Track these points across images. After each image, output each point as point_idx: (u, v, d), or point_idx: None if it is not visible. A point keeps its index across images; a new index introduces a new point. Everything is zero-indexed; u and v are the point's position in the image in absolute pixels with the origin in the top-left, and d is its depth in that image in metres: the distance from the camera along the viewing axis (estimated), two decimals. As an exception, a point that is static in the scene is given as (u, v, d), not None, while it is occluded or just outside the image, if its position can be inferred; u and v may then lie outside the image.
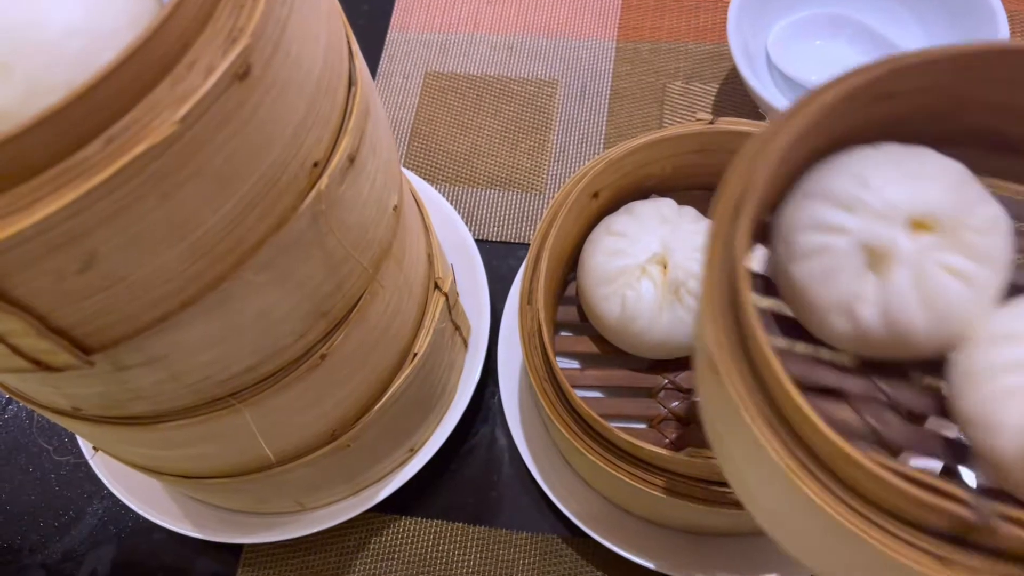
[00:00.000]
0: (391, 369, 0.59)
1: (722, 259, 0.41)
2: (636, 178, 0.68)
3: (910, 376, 0.44)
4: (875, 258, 0.42)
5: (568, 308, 0.72)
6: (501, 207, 0.86)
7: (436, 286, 0.63)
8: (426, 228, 0.65)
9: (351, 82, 0.44)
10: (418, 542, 0.71)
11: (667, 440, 0.65)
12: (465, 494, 0.73)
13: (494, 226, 0.85)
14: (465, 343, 0.72)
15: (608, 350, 0.69)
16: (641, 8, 0.96)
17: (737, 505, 0.55)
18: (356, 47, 0.45)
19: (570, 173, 0.86)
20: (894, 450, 0.43)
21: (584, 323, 0.70)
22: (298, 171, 0.39)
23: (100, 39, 0.34)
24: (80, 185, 0.31)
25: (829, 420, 0.38)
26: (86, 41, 0.34)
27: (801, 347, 0.45)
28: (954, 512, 0.34)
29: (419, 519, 0.72)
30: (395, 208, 0.51)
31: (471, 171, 0.88)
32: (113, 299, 0.36)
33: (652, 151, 0.66)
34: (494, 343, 0.74)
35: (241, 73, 0.33)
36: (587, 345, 0.70)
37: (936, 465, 0.43)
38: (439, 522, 0.72)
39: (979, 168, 0.45)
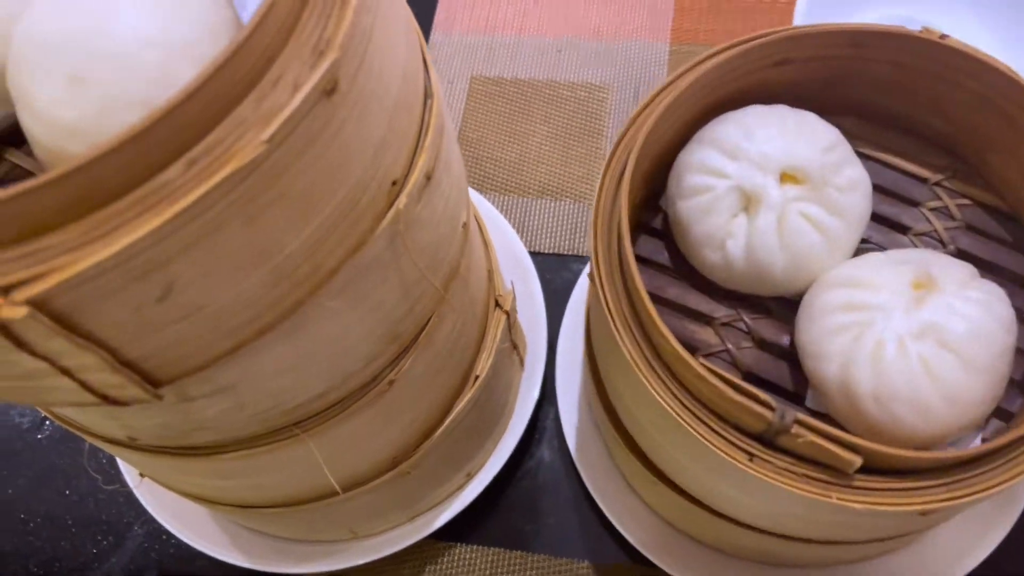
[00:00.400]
0: (453, 393, 0.56)
1: (611, 196, 0.51)
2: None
3: (771, 312, 0.54)
4: (748, 201, 0.51)
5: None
6: (553, 217, 0.83)
7: (497, 304, 0.60)
8: (486, 243, 0.62)
9: (427, 95, 0.41)
10: (475, 571, 0.68)
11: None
12: (523, 520, 0.70)
13: (546, 237, 0.82)
14: (522, 362, 0.69)
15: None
16: (695, 10, 0.93)
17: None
18: (429, 58, 0.43)
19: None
20: (744, 371, 0.53)
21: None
22: (377, 191, 0.37)
23: (177, 51, 0.32)
24: (162, 212, 0.28)
25: (692, 338, 0.53)
26: (163, 53, 0.32)
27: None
28: (760, 413, 0.42)
29: (476, 547, 0.69)
30: (464, 225, 0.49)
31: (521, 180, 0.85)
32: (189, 329, 0.33)
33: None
34: (551, 360, 0.71)
35: (329, 89, 0.30)
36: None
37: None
38: (497, 550, 0.69)
39: (860, 135, 0.58)
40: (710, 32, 0.91)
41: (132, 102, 0.31)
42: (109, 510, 0.74)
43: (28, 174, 0.39)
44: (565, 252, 0.81)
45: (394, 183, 0.38)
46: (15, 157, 0.40)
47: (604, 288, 0.48)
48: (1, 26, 0.35)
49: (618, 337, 0.47)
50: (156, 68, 0.32)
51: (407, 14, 0.40)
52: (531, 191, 0.84)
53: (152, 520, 0.70)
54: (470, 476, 0.66)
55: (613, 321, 0.47)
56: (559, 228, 0.82)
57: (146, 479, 0.63)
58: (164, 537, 0.72)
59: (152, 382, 0.35)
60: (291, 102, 0.29)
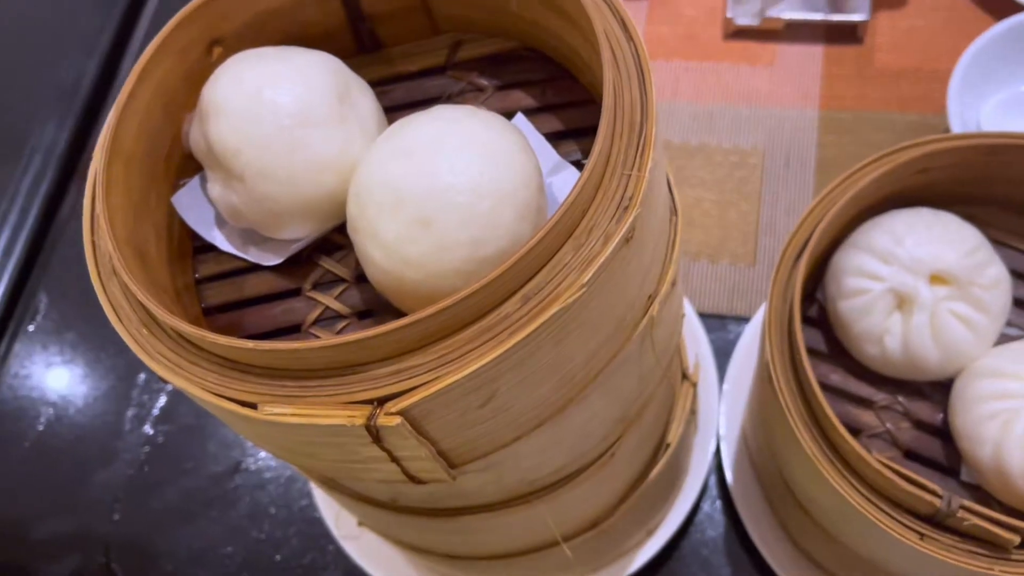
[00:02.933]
0: (649, 459, 0.66)
1: (782, 296, 0.62)
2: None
3: (925, 394, 0.63)
4: (902, 301, 0.61)
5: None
6: (712, 279, 0.92)
7: (684, 376, 0.69)
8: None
9: (673, 212, 0.51)
10: (652, 618, 0.78)
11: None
12: (695, 570, 0.80)
13: (706, 298, 0.92)
14: (696, 425, 0.78)
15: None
16: (843, 77, 1.02)
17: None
18: (672, 178, 0.53)
19: (780, 244, 0.92)
20: (903, 449, 0.62)
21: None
22: (639, 305, 0.46)
23: (501, 199, 0.42)
24: (503, 341, 0.39)
25: (857, 420, 0.63)
26: (492, 202, 0.42)
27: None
28: (930, 501, 0.52)
29: (652, 596, 0.79)
30: (683, 315, 0.59)
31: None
32: (494, 426, 0.44)
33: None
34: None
35: (629, 237, 0.40)
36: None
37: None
38: (672, 599, 0.78)
39: (997, 223, 0.67)
40: (857, 98, 1.00)
41: (465, 242, 0.42)
42: (303, 556, 0.85)
43: (338, 279, 0.50)
44: (724, 313, 0.91)
45: (650, 296, 0.48)
46: (327, 264, 0.50)
47: (782, 387, 0.59)
48: (343, 163, 0.46)
49: (797, 432, 0.57)
50: (487, 214, 0.42)
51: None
52: (689, 253, 0.94)
53: (347, 567, 0.81)
54: (650, 533, 0.76)
55: (792, 417, 0.58)
56: (717, 289, 0.92)
57: (361, 529, 0.74)
58: (358, 581, 0.83)
59: (452, 466, 0.46)
60: (604, 251, 0.40)
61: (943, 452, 0.61)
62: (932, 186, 0.65)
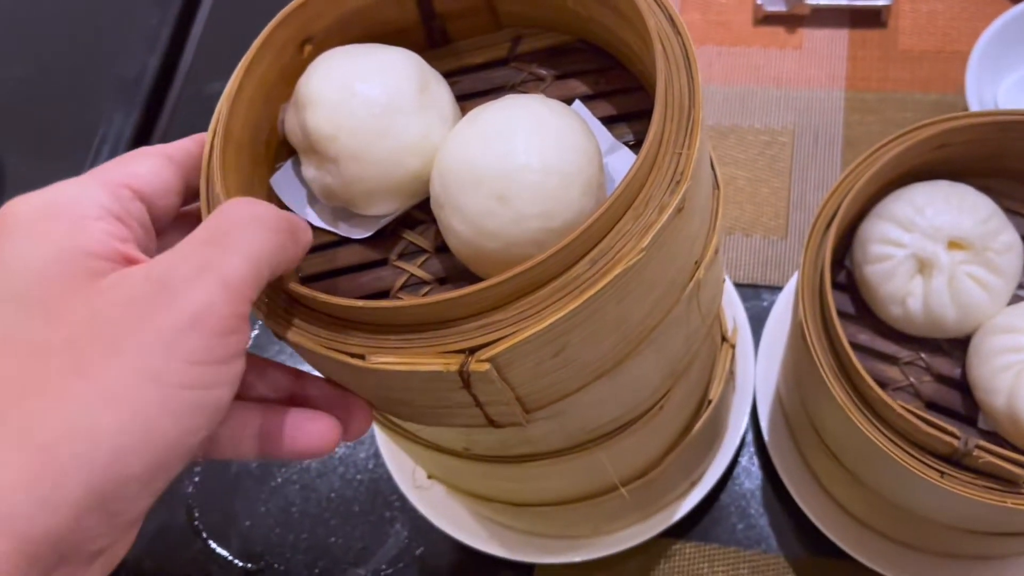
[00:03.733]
0: (693, 414, 0.74)
1: (813, 263, 0.69)
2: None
3: (944, 350, 0.71)
4: (922, 266, 0.68)
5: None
6: (745, 252, 1.00)
7: (724, 338, 0.76)
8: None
9: (715, 186, 0.58)
10: (695, 564, 0.85)
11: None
12: (735, 519, 0.87)
13: (739, 269, 0.99)
14: (735, 384, 0.86)
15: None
16: (867, 59, 1.09)
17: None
18: (715, 155, 0.60)
19: (810, 218, 0.99)
20: (926, 401, 0.69)
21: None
22: (688, 269, 0.54)
23: (568, 176, 0.48)
24: (575, 298, 0.45)
25: (883, 375, 0.70)
26: (560, 179, 0.48)
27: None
28: (949, 441, 0.59)
29: (696, 544, 0.86)
30: (724, 280, 0.66)
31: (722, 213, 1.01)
32: (563, 376, 0.51)
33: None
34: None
35: (680, 208, 0.47)
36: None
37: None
38: (713, 547, 0.86)
39: (1010, 194, 0.74)
40: (881, 80, 1.07)
41: (538, 215, 0.48)
42: (372, 512, 0.93)
43: (421, 250, 0.56)
44: (758, 283, 0.98)
45: (696, 263, 0.55)
46: (411, 236, 0.57)
47: (815, 345, 0.66)
48: (425, 147, 0.52)
49: (829, 385, 0.65)
50: (556, 190, 0.48)
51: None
52: (724, 226, 1.01)
53: (412, 521, 0.89)
54: (693, 484, 0.83)
55: (824, 372, 0.65)
56: (751, 261, 0.99)
57: (431, 481, 0.81)
58: (423, 536, 0.91)
59: (527, 411, 0.53)
60: (659, 219, 0.46)
61: (962, 403, 0.68)
62: (950, 160, 0.72)
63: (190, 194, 0.51)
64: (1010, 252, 0.68)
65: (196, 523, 0.95)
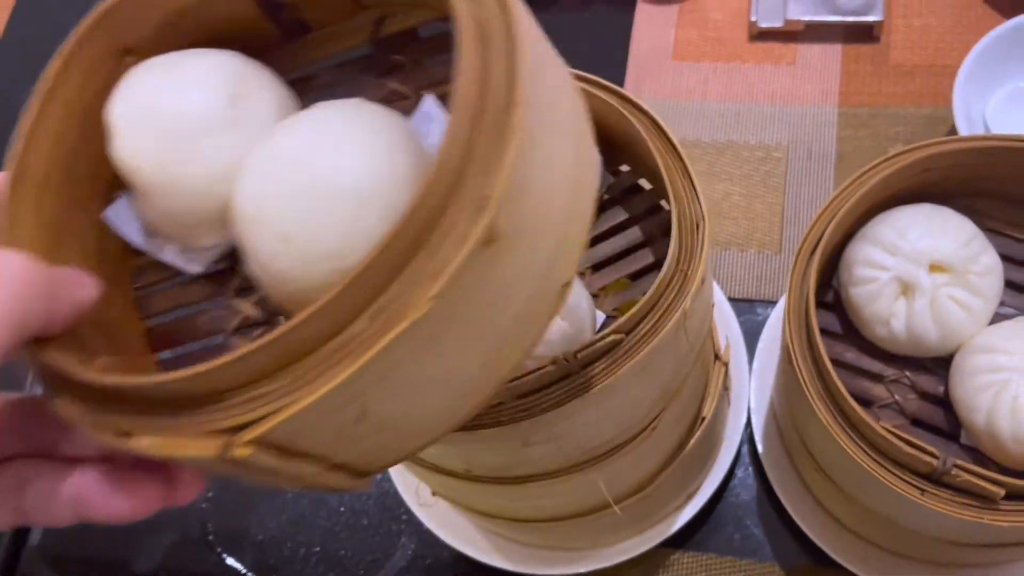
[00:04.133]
0: (686, 430, 0.77)
1: (799, 287, 0.71)
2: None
3: (928, 368, 0.73)
4: (905, 288, 0.70)
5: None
6: (740, 266, 1.03)
7: (716, 356, 0.80)
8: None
9: (697, 222, 0.62)
10: (692, 573, 0.89)
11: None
12: (731, 530, 0.90)
13: (735, 284, 1.02)
14: (729, 400, 0.89)
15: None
16: (860, 74, 1.12)
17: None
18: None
19: (804, 233, 1.02)
20: (910, 418, 0.72)
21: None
22: (552, 295, 0.45)
23: (364, 203, 0.41)
24: (353, 361, 0.36)
25: (869, 393, 0.73)
26: (353, 208, 0.41)
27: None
28: (928, 461, 0.62)
29: (693, 554, 0.90)
30: (713, 304, 0.69)
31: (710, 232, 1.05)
32: (385, 438, 0.43)
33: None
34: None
35: (489, 239, 0.36)
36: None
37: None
38: (710, 556, 0.89)
39: (993, 214, 0.77)
40: (874, 95, 1.10)
41: (325, 255, 0.41)
42: (380, 525, 0.97)
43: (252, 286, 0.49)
44: (753, 297, 1.01)
45: (565, 285, 0.45)
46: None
47: (800, 367, 0.69)
48: (223, 172, 0.45)
49: (814, 406, 0.67)
50: (348, 222, 0.41)
51: (575, 110, 0.45)
52: (719, 243, 1.04)
53: (419, 533, 0.93)
54: (689, 497, 0.87)
55: (810, 393, 0.68)
56: (746, 276, 1.02)
57: (436, 498, 0.85)
58: (430, 548, 0.95)
59: (360, 474, 0.45)
60: (455, 258, 0.36)
61: (945, 419, 0.71)
62: (935, 183, 0.75)
63: None
64: (990, 274, 0.70)
65: (210, 537, 0.98)
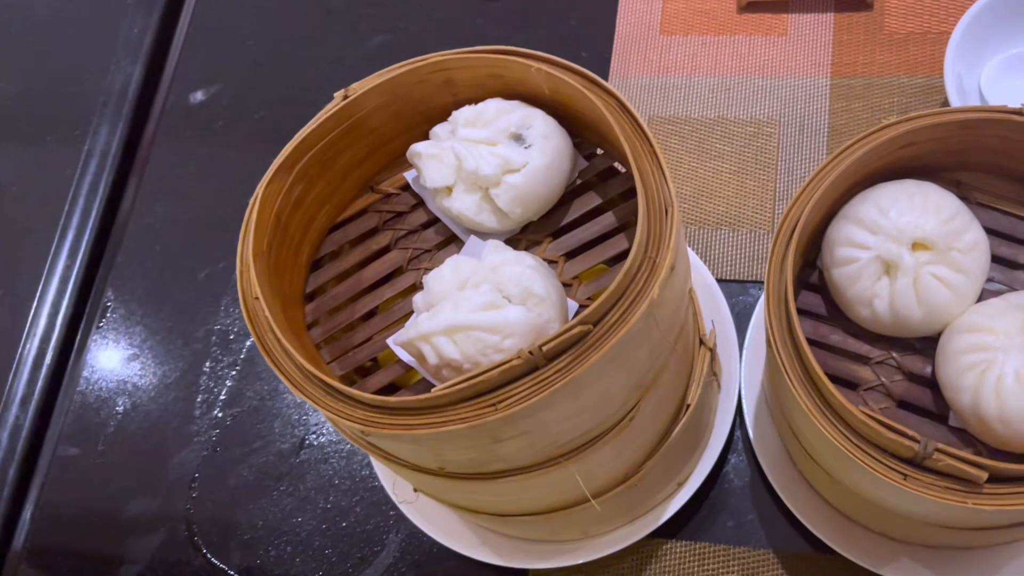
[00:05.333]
0: (670, 419, 0.78)
1: (779, 269, 0.72)
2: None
3: (915, 349, 0.74)
4: (888, 267, 0.71)
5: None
6: (731, 246, 1.04)
7: (701, 342, 0.81)
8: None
9: (667, 205, 0.63)
10: (686, 563, 0.90)
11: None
12: (724, 517, 0.92)
13: (727, 265, 1.03)
14: (719, 385, 0.90)
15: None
16: (852, 44, 1.12)
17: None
18: (668, 171, 0.64)
19: (796, 211, 1.03)
20: (897, 400, 0.73)
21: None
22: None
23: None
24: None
25: (855, 375, 0.74)
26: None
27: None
28: (909, 446, 0.63)
29: (686, 542, 0.91)
30: (690, 291, 0.70)
31: (701, 212, 1.06)
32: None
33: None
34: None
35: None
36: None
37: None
38: (704, 544, 0.91)
39: (979, 187, 0.78)
40: (867, 64, 1.11)
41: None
42: (367, 522, 0.98)
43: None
44: (744, 278, 1.02)
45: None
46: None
47: (780, 352, 0.70)
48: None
49: (796, 394, 0.68)
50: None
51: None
52: (710, 222, 1.05)
53: (407, 529, 0.95)
54: (680, 485, 0.88)
55: (791, 382, 0.68)
56: (738, 256, 1.03)
57: (417, 494, 0.86)
58: (418, 543, 0.96)
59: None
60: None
61: (933, 401, 0.72)
62: (918, 157, 0.75)
63: None
64: (975, 250, 0.71)
65: (195, 538, 1.00)
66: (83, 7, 1.40)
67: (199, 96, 1.27)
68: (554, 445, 0.66)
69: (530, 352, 0.58)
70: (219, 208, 1.19)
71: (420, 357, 0.66)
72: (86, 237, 1.20)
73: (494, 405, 0.59)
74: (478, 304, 0.64)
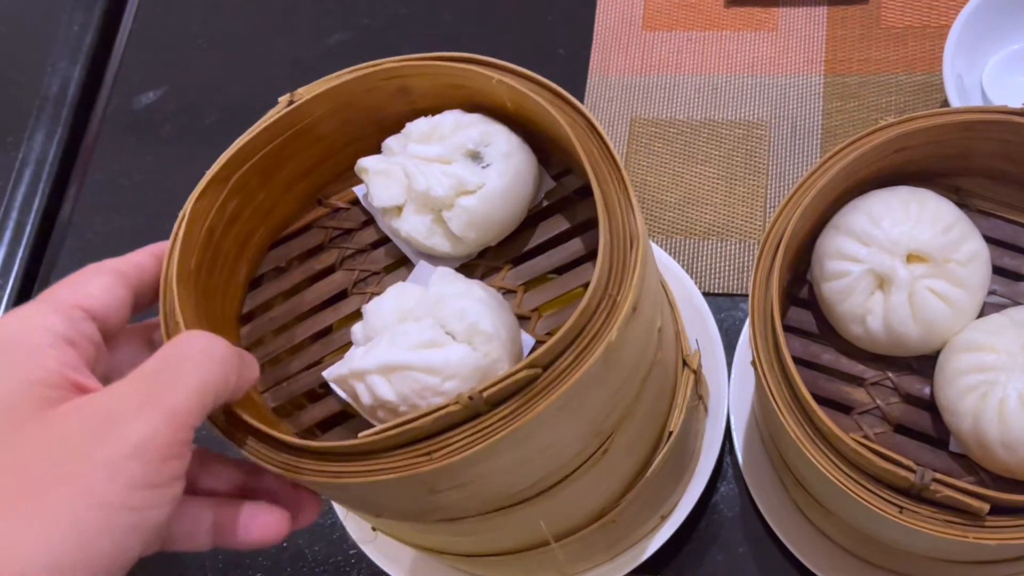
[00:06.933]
0: (650, 449, 0.77)
1: (763, 288, 0.71)
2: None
3: (913, 368, 0.73)
4: (881, 281, 0.70)
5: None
6: (720, 258, 1.03)
7: (684, 363, 0.81)
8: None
9: (633, 239, 0.62)
10: (671, 601, 0.90)
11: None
12: (714, 551, 0.91)
13: (715, 278, 1.03)
14: (706, 408, 0.90)
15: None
16: (847, 39, 1.12)
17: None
18: (636, 201, 0.63)
19: (788, 220, 1.03)
20: (894, 424, 0.72)
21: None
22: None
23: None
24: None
25: (848, 398, 0.73)
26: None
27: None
28: (905, 476, 0.62)
29: (672, 580, 0.91)
30: (659, 329, 0.70)
31: (686, 221, 1.06)
32: None
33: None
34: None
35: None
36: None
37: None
38: (691, 582, 0.90)
39: (980, 193, 0.77)
40: (863, 61, 1.10)
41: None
42: (326, 561, 0.97)
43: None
44: (734, 292, 1.02)
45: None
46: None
47: (768, 380, 0.69)
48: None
49: (783, 420, 0.67)
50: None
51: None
52: (697, 232, 1.05)
53: (369, 568, 0.94)
54: (664, 518, 0.87)
55: (778, 407, 0.67)
56: (727, 268, 1.03)
57: (376, 533, 0.86)
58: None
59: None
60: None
61: (932, 424, 0.71)
62: (913, 163, 0.75)
63: (140, 305, 0.61)
64: (975, 262, 0.70)
65: (140, 581, 0.99)
66: (16, 1, 1.39)
67: (145, 99, 1.27)
68: (502, 495, 0.65)
69: (470, 397, 0.56)
70: (167, 220, 1.15)
71: (354, 395, 0.64)
72: (20, 254, 1.18)
73: (429, 454, 0.57)
74: (417, 341, 0.61)
